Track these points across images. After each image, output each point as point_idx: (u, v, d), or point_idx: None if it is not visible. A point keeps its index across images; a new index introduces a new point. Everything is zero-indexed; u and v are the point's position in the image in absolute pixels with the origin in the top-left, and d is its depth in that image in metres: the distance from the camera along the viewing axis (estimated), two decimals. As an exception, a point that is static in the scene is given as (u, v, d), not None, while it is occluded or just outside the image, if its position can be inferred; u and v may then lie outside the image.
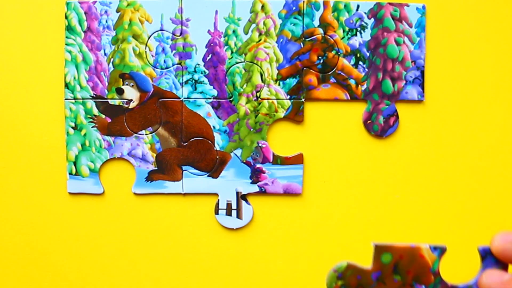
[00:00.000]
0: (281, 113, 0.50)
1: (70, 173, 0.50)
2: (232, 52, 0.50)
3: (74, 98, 0.50)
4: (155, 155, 0.50)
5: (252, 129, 0.50)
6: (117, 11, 0.50)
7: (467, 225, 0.51)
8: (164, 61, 0.50)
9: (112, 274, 0.51)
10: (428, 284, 0.40)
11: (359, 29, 0.50)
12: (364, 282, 0.39)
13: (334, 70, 0.50)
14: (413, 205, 0.50)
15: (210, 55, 0.50)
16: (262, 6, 0.50)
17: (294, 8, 0.50)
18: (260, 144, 0.50)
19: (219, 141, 0.50)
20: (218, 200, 0.50)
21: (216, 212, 0.50)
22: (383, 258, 0.39)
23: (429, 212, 0.51)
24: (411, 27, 0.50)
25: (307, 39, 0.50)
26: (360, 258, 0.51)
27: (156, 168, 0.50)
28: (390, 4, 0.50)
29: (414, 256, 0.38)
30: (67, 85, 0.50)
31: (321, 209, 0.50)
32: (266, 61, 0.50)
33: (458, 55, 0.50)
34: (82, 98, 0.50)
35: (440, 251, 0.38)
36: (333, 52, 0.50)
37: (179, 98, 0.50)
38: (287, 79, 0.50)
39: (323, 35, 0.50)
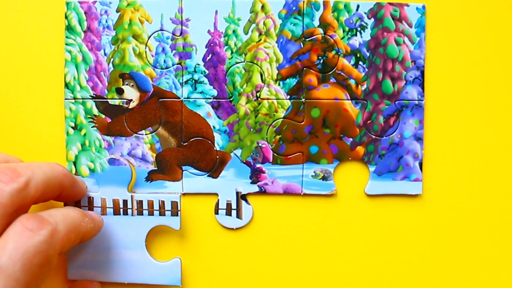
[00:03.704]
0: (281, 113, 0.50)
1: (70, 173, 0.50)
2: (232, 52, 0.50)
3: (74, 98, 0.50)
4: (155, 155, 0.50)
5: (252, 129, 0.50)
6: (117, 11, 0.50)
7: None
8: (164, 61, 0.50)
9: (112, 274, 0.51)
10: (354, 136, 0.44)
11: (359, 29, 0.50)
12: (299, 135, 0.47)
13: (334, 70, 0.50)
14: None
15: (210, 55, 0.50)
16: (262, 6, 0.50)
17: (294, 8, 0.50)
18: (260, 144, 0.50)
19: (219, 141, 0.50)
20: (218, 200, 0.50)
21: (216, 212, 0.50)
22: (313, 113, 0.45)
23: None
24: (411, 27, 0.50)
25: (307, 39, 0.50)
26: (360, 258, 0.51)
27: (156, 168, 0.50)
28: (390, 4, 0.50)
29: (338, 109, 0.45)
30: (67, 85, 0.50)
31: (321, 209, 0.50)
32: (266, 61, 0.50)
33: (458, 55, 0.50)
34: (82, 98, 0.50)
35: (361, 105, 0.45)
36: (333, 52, 0.50)
37: (179, 98, 0.50)
38: (287, 79, 0.50)
39: (323, 35, 0.50)
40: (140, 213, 0.49)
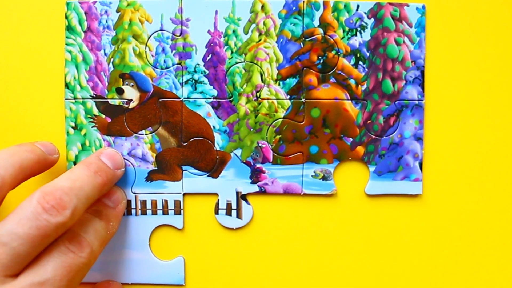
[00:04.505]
0: (281, 113, 0.50)
1: (70, 173, 0.50)
2: (232, 52, 0.50)
3: (74, 98, 0.50)
4: (155, 155, 0.50)
5: (252, 129, 0.50)
6: (117, 11, 0.50)
7: None
8: (164, 61, 0.50)
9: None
10: (354, 136, 0.44)
11: (359, 29, 0.50)
12: (299, 135, 0.45)
13: (334, 70, 0.50)
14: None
15: (210, 55, 0.50)
16: (262, 6, 0.50)
17: (294, 8, 0.50)
18: (260, 144, 0.50)
19: (219, 141, 0.50)
20: (218, 200, 0.50)
21: (216, 212, 0.50)
22: (313, 113, 0.45)
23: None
24: (411, 27, 0.50)
25: (307, 39, 0.50)
26: (360, 258, 0.51)
27: (156, 168, 0.50)
28: (390, 4, 0.50)
29: (338, 109, 0.45)
30: (67, 85, 0.50)
31: (321, 209, 0.50)
32: (266, 61, 0.50)
33: (458, 55, 0.50)
34: (82, 98, 0.50)
35: (361, 105, 0.46)
36: (333, 52, 0.50)
37: (179, 98, 0.50)
38: (287, 79, 0.50)
39: (323, 35, 0.50)
40: (143, 213, 0.50)
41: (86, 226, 0.42)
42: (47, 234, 0.37)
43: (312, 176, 0.50)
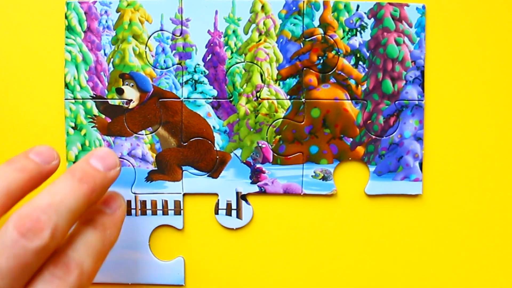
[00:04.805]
0: (281, 113, 0.50)
1: (70, 173, 0.50)
2: (232, 52, 0.50)
3: (74, 98, 0.50)
4: (155, 155, 0.50)
5: (252, 129, 0.50)
6: (117, 11, 0.50)
7: None
8: (164, 61, 0.50)
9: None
10: (354, 136, 0.47)
11: (359, 29, 0.50)
12: (299, 136, 0.48)
13: (334, 70, 0.50)
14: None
15: (210, 55, 0.50)
16: (262, 6, 0.50)
17: (294, 8, 0.50)
18: (260, 144, 0.50)
19: (219, 141, 0.50)
20: (218, 200, 0.50)
21: (216, 212, 0.50)
22: (313, 113, 0.45)
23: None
24: (411, 27, 0.50)
25: (307, 39, 0.50)
26: (360, 258, 0.51)
27: (156, 168, 0.50)
28: (390, 4, 0.50)
29: (338, 110, 0.45)
30: (67, 85, 0.50)
31: (321, 209, 0.50)
32: (266, 61, 0.50)
33: (458, 55, 0.50)
34: (82, 98, 0.50)
35: (361, 105, 0.46)
36: (333, 52, 0.50)
37: (179, 98, 0.50)
38: (287, 79, 0.50)
39: (323, 35, 0.50)
40: (143, 213, 0.50)
41: (75, 242, 0.37)
42: (27, 262, 0.32)
43: (312, 176, 0.50)
